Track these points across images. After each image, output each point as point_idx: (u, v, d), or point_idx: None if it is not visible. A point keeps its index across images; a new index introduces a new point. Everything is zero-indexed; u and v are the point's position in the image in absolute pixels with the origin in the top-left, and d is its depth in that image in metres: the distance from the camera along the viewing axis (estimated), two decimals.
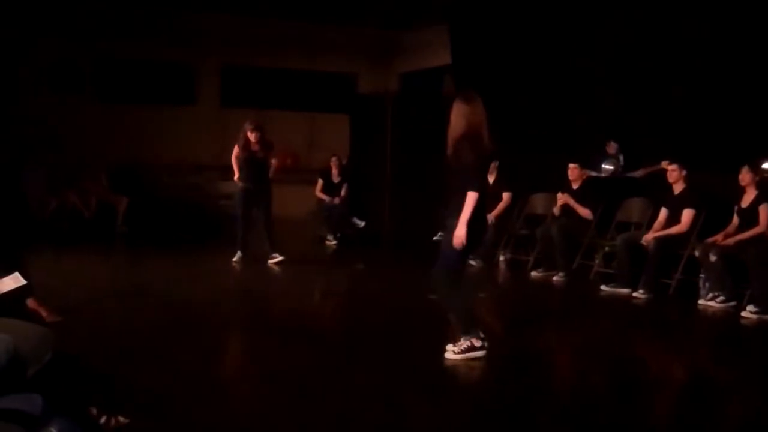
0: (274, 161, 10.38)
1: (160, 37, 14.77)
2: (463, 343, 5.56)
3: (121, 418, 4.04)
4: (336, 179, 13.09)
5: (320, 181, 13.10)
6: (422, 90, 15.32)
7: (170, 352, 5.60)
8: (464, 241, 5.39)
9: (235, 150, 10.21)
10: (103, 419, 3.96)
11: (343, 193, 12.99)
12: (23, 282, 3.89)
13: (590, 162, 10.71)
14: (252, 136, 10.00)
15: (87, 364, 4.33)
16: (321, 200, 13.03)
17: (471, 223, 5.40)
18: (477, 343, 5.56)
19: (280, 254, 10.14)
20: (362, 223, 13.06)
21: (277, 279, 9.71)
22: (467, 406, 4.82)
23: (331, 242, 12.80)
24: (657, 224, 9.03)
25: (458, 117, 5.49)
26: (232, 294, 8.64)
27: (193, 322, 6.74)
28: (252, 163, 10.08)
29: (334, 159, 13.21)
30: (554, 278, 9.80)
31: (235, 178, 10.23)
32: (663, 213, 9.05)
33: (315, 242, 12.82)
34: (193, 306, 7.46)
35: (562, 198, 10.03)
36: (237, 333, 6.79)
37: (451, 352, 5.57)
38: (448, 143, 5.54)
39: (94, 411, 3.83)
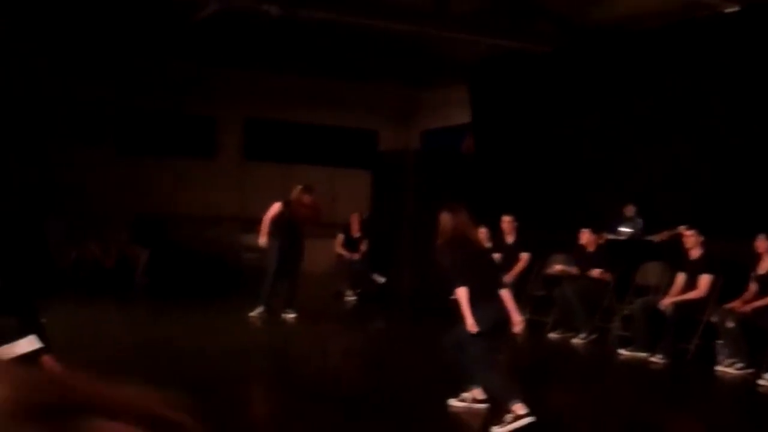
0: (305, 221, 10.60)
1: (183, 90, 15.00)
2: (510, 416, 5.63)
3: None
4: (356, 234, 13.18)
5: (341, 236, 13.19)
6: (442, 147, 15.46)
7: (193, 412, 5.64)
8: (477, 329, 5.75)
9: (276, 207, 10.33)
10: None
11: (363, 248, 13.07)
12: (38, 346, 3.94)
13: (608, 225, 10.76)
14: (307, 199, 10.31)
15: None
16: (341, 255, 13.10)
17: (481, 310, 5.79)
18: (521, 410, 5.62)
19: (296, 311, 10.22)
20: (383, 279, 13.08)
21: (296, 336, 9.76)
22: None
23: (351, 298, 12.84)
24: (674, 289, 9.03)
25: (443, 224, 6.02)
26: (253, 350, 8.71)
27: (215, 378, 6.78)
28: (294, 222, 10.31)
29: (354, 215, 13.32)
30: (573, 340, 9.78)
31: (261, 242, 10.32)
32: (680, 278, 9.06)
33: (334, 297, 12.84)
34: (214, 362, 7.51)
35: (573, 270, 10.13)
36: (260, 392, 6.86)
37: (498, 428, 5.63)
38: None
39: None
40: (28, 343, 3.74)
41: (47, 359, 4.12)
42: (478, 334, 5.78)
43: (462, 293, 5.83)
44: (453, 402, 6.16)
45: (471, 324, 5.75)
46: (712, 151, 9.97)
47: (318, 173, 15.96)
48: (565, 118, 11.87)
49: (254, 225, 15.70)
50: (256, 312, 10.16)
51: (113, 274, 13.36)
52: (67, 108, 14.31)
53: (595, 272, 9.98)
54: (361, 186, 16.16)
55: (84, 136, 14.46)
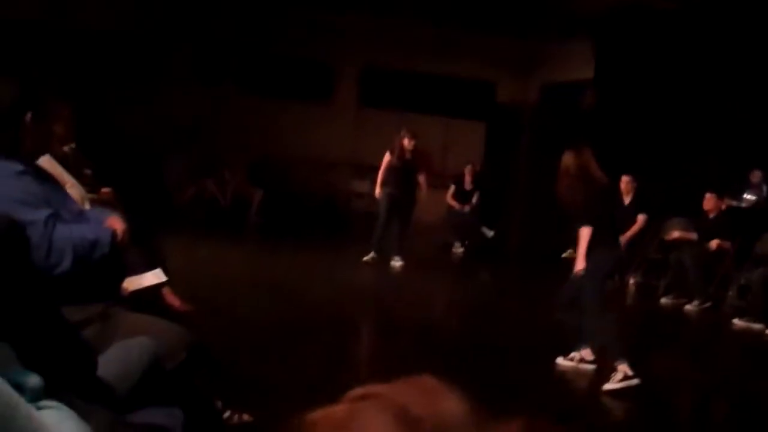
0: (425, 170, 10.60)
1: (304, 35, 15.10)
2: (619, 374, 5.58)
3: (245, 416, 4.19)
4: (468, 187, 13.09)
5: (453, 188, 13.12)
6: (562, 103, 15.14)
7: (296, 352, 5.77)
8: (584, 271, 5.67)
9: (386, 159, 10.34)
10: (227, 414, 4.11)
11: (474, 201, 12.99)
12: (164, 279, 4.06)
13: (732, 190, 10.38)
14: (408, 144, 10.19)
15: (215, 356, 4.51)
16: (452, 207, 13.06)
17: (603, 252, 5.67)
18: (629, 371, 5.55)
19: (403, 259, 10.27)
20: (491, 233, 12.97)
21: (403, 284, 9.77)
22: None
23: (458, 250, 12.82)
24: None
25: (566, 164, 5.85)
26: (361, 296, 8.77)
27: (321, 321, 6.90)
28: (403, 170, 10.26)
29: (468, 167, 13.21)
30: (686, 306, 9.54)
31: (378, 193, 10.38)
32: None
33: (442, 249, 12.84)
34: (322, 305, 7.62)
35: (691, 236, 9.81)
36: (362, 337, 6.92)
37: (611, 384, 5.59)
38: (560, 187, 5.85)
39: (219, 404, 3.97)
40: (155, 276, 3.88)
41: (168, 292, 4.26)
42: (597, 275, 5.70)
43: (585, 232, 5.68)
44: (561, 361, 6.09)
45: (581, 266, 5.69)
46: None
47: (433, 123, 15.88)
48: (690, 77, 11.45)
49: (366, 171, 15.91)
50: (369, 257, 10.24)
51: (229, 212, 13.69)
52: (190, 47, 14.61)
53: (715, 243, 9.66)
54: (475, 137, 16.01)
55: (204, 75, 14.75)
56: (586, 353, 6.04)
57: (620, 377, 5.54)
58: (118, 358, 2.37)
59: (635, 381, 5.56)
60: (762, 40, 10.52)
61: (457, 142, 15.79)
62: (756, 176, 10.57)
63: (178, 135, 13.75)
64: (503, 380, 5.63)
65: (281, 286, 8.30)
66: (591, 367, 5.99)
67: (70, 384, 1.86)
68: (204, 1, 14.32)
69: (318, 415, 0.74)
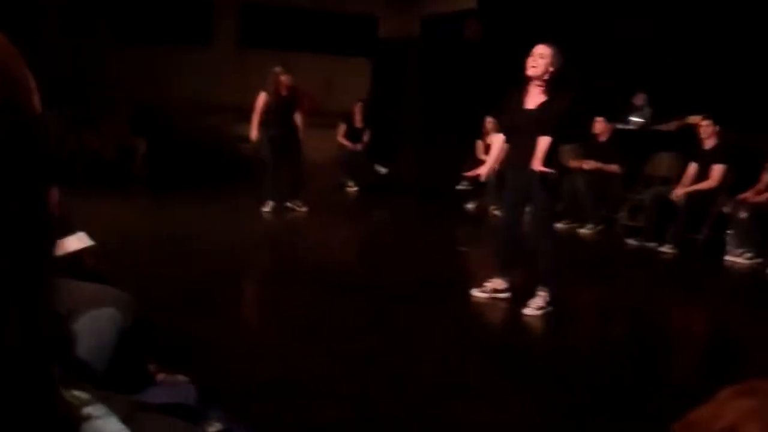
0: (303, 108, 10.27)
1: None
2: (540, 300, 5.70)
3: (180, 377, 4.07)
4: (359, 125, 13.01)
5: (343, 127, 13.00)
6: (446, 34, 15.15)
7: (217, 304, 5.66)
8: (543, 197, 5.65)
9: (261, 98, 9.95)
10: (161, 376, 3.98)
11: (365, 139, 12.94)
12: (90, 243, 3.85)
13: (617, 114, 10.66)
14: (285, 79, 9.83)
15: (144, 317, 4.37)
16: (343, 146, 12.97)
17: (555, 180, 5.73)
18: (549, 299, 5.69)
19: (305, 204, 10.09)
20: (385, 170, 12.95)
21: (303, 228, 9.69)
22: (495, 358, 4.91)
23: (353, 189, 12.78)
24: (686, 179, 9.04)
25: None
26: (264, 243, 8.64)
27: (232, 271, 6.78)
28: (281, 109, 9.89)
29: (358, 104, 13.10)
30: (580, 230, 9.82)
31: (253, 136, 10.06)
32: (692, 168, 9.05)
33: (336, 189, 12.76)
34: (229, 255, 7.47)
35: (588, 164, 10.00)
36: (277, 284, 6.78)
37: (531, 309, 5.70)
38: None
39: (152, 367, 3.84)
40: (79, 240, 3.62)
41: (89, 257, 4.05)
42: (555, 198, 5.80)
43: (545, 141, 5.53)
44: (476, 292, 6.15)
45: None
46: (728, 39, 9.80)
47: (316, 61, 15.67)
48: (575, 5, 11.61)
49: (251, 114, 15.59)
50: (268, 207, 9.89)
51: (112, 165, 13.21)
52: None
53: (609, 167, 9.93)
54: (361, 75, 15.88)
55: (78, 24, 14.07)
56: (499, 283, 6.08)
57: (542, 303, 5.68)
58: (91, 332, 2.25)
59: (550, 308, 5.72)
60: None
61: (342, 79, 15.63)
62: (640, 99, 10.88)
63: (53, 88, 13.10)
64: (419, 317, 5.67)
65: (183, 239, 8.06)
66: (506, 295, 6.05)
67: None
68: None
69: (696, 416, 0.69)
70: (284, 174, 10.14)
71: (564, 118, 5.69)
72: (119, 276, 5.18)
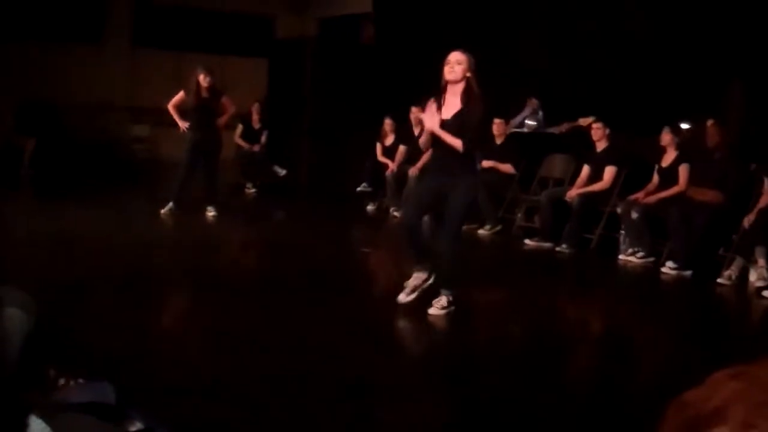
0: (230, 108, 10.06)
1: None
2: (444, 300, 5.71)
3: (81, 380, 3.94)
4: (257, 126, 12.89)
5: (240, 127, 12.83)
6: (342, 36, 15.17)
7: (114, 307, 5.50)
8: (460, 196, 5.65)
9: (179, 96, 9.66)
10: (61, 381, 3.85)
11: (263, 140, 12.82)
12: None
13: (511, 117, 10.86)
14: (204, 81, 9.55)
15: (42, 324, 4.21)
16: (240, 147, 12.82)
17: (472, 181, 5.82)
18: (450, 300, 5.73)
19: (217, 208, 9.84)
20: (283, 172, 12.86)
21: (201, 229, 9.46)
22: (397, 357, 4.93)
23: (251, 190, 12.64)
24: (580, 180, 9.27)
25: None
26: (159, 244, 8.38)
27: (128, 273, 6.58)
28: (202, 110, 9.60)
29: (255, 105, 12.98)
30: (479, 231, 9.96)
31: (182, 126, 9.65)
32: (585, 170, 9.29)
33: (234, 190, 12.57)
34: (124, 257, 7.28)
35: (486, 163, 10.12)
36: (176, 287, 6.66)
37: (435, 309, 5.71)
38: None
39: (52, 372, 3.71)
40: None
41: None
42: (472, 201, 5.86)
43: (458, 143, 5.54)
44: (402, 298, 5.93)
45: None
46: (616, 45, 10.10)
47: (211, 61, 15.39)
48: (470, 9, 11.76)
49: (144, 114, 15.28)
50: (166, 209, 9.58)
51: None
52: None
53: (505, 167, 10.10)
54: (257, 75, 15.73)
55: None
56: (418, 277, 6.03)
57: (445, 303, 5.72)
58: None
59: (451, 309, 5.77)
60: None
61: (238, 80, 15.43)
62: (533, 103, 11.12)
63: None
64: (320, 317, 5.63)
65: (75, 240, 7.80)
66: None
67: None
68: None
69: (689, 396, 0.69)
70: (198, 177, 9.84)
71: (481, 124, 5.77)
72: (10, 278, 5.01)
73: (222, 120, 9.97)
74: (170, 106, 9.67)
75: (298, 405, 3.91)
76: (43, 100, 13.84)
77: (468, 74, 5.61)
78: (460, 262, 5.97)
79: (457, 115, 5.58)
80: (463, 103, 5.60)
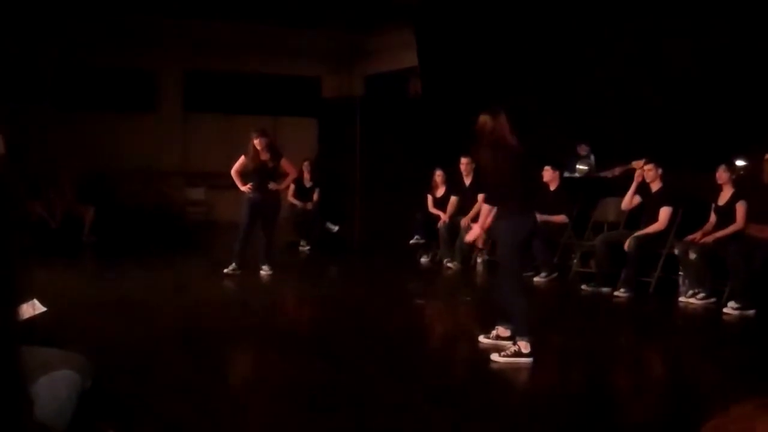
0: (292, 173, 10.35)
1: (121, 43, 14.57)
2: (512, 348, 5.66)
3: None
4: (308, 184, 13.05)
5: (292, 186, 12.96)
6: (388, 92, 15.33)
7: (175, 370, 5.54)
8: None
9: (240, 160, 9.88)
10: None
11: (315, 197, 12.95)
12: (42, 309, 3.79)
13: (563, 164, 10.82)
14: (258, 143, 9.75)
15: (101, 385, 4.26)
16: (293, 205, 12.96)
17: (521, 218, 5.87)
18: (525, 350, 5.64)
19: (272, 267, 9.99)
20: (336, 228, 12.98)
21: (258, 289, 9.51)
22: (466, 409, 4.86)
23: (305, 248, 12.73)
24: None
25: (481, 126, 5.92)
26: (218, 305, 8.44)
27: (188, 336, 6.66)
28: (261, 172, 9.81)
29: (305, 163, 13.15)
30: (535, 279, 9.87)
31: (243, 188, 9.83)
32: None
33: (288, 249, 12.67)
34: (183, 319, 7.36)
35: (540, 218, 10.08)
36: (237, 346, 6.67)
37: (498, 356, 5.69)
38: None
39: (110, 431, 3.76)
40: (31, 307, 3.57)
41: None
42: (514, 244, 5.79)
43: (486, 208, 5.89)
44: (482, 338, 6.23)
45: (474, 234, 6.14)
46: (667, 84, 10.04)
47: (261, 123, 15.67)
48: (514, 59, 11.82)
49: (198, 178, 15.57)
50: (230, 269, 9.73)
51: (59, 234, 12.99)
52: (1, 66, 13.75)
53: (558, 218, 10.06)
54: (307, 134, 15.98)
55: (21, 94, 13.92)
56: (502, 330, 6.12)
57: (513, 352, 5.67)
58: (49, 394, 2.18)
59: (527, 360, 5.70)
60: (581, 18, 10.98)
61: (288, 140, 15.65)
62: (583, 149, 11.09)
63: None
64: (397, 372, 5.61)
65: (135, 304, 7.91)
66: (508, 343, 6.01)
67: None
68: (15, 17, 13.47)
69: (715, 424, 0.69)
70: (260, 237, 10.01)
71: (495, 164, 5.84)
72: (70, 341, 5.09)
73: (284, 184, 10.29)
74: (233, 172, 9.91)
75: None
76: (100, 169, 14.18)
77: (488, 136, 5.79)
78: (523, 308, 5.90)
79: (475, 176, 5.84)
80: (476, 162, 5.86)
